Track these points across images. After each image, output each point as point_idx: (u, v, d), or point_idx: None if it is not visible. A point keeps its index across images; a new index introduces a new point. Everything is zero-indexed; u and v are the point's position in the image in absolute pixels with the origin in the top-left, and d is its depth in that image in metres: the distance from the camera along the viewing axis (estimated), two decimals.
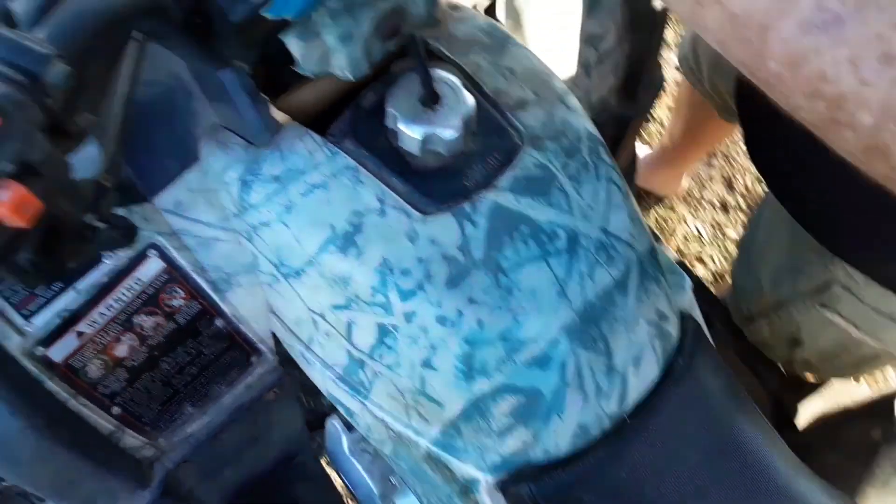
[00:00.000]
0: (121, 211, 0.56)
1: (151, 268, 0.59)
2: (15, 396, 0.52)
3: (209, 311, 0.63)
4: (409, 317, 0.52)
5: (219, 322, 0.65)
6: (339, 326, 0.57)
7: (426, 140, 0.52)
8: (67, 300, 0.56)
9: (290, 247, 0.55)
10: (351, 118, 0.56)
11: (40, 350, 0.55)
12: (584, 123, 0.59)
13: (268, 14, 0.45)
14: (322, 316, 0.58)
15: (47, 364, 0.56)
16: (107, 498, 0.63)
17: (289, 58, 0.50)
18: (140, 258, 0.58)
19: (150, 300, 0.60)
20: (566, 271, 0.53)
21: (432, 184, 0.54)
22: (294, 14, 0.46)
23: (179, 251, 0.59)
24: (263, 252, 0.58)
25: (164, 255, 0.59)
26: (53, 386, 0.57)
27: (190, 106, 0.59)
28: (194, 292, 0.62)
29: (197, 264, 0.61)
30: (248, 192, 0.55)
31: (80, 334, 0.57)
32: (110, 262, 0.57)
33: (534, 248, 0.53)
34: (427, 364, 0.54)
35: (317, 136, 0.55)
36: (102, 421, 0.62)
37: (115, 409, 0.62)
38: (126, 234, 0.54)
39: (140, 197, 0.58)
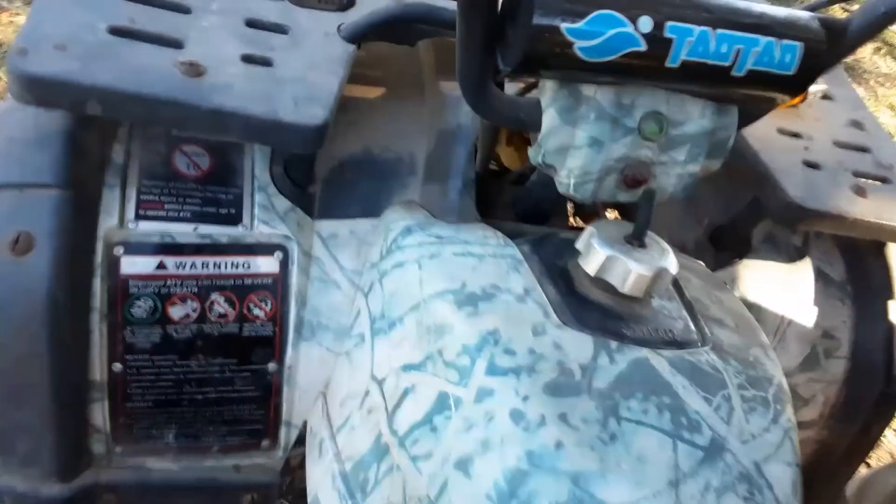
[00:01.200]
0: (282, 207, 0.57)
1: (267, 264, 0.56)
2: (61, 270, 0.49)
3: (275, 346, 0.56)
4: (482, 395, 0.41)
5: (272, 366, 0.57)
6: (392, 396, 0.46)
7: (610, 265, 0.46)
8: (180, 230, 0.54)
9: (407, 289, 0.49)
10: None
11: (119, 250, 0.52)
12: (778, 374, 0.50)
13: None
14: (381, 383, 0.48)
15: (112, 267, 0.52)
16: (28, 465, 0.52)
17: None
18: (266, 250, 0.56)
19: (240, 290, 0.55)
20: (691, 468, 0.40)
21: (588, 310, 0.47)
22: None
23: (300, 273, 0.56)
24: (371, 305, 0.53)
25: (284, 265, 0.56)
26: (96, 290, 0.52)
27: (405, 179, 0.61)
28: (280, 317, 0.56)
29: (303, 295, 0.56)
30: (406, 236, 0.53)
31: (160, 265, 0.53)
32: (238, 229, 0.55)
33: (665, 421, 0.41)
34: (463, 465, 0.40)
35: (500, 233, 0.53)
36: (97, 366, 0.53)
37: (116, 366, 0.53)
38: None
39: (310, 210, 0.58)
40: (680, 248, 0.75)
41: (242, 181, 0.56)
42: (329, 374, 0.57)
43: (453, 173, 0.59)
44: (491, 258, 0.49)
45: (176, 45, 0.50)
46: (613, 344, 0.44)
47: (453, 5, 0.45)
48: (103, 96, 0.45)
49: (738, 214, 0.72)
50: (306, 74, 0.52)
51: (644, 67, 0.44)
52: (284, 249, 0.56)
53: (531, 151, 0.49)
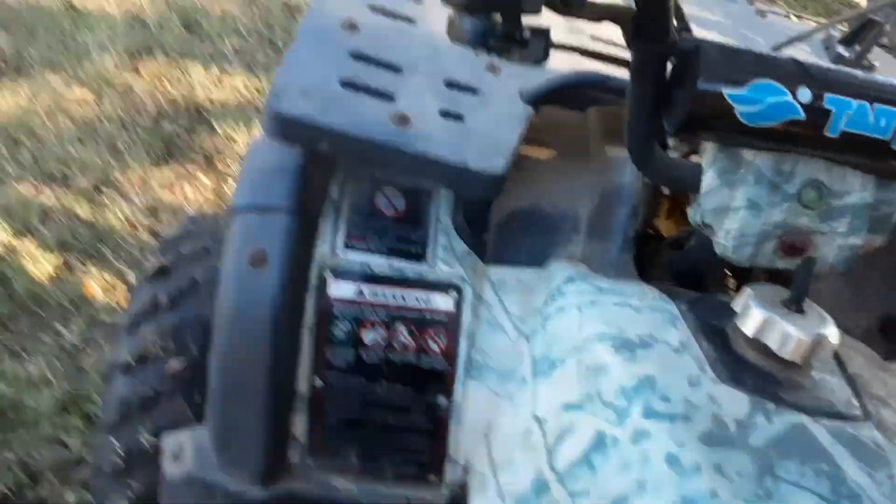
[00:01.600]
0: (460, 250, 0.63)
1: (443, 302, 0.62)
2: (288, 283, 0.58)
3: (447, 378, 0.62)
4: (638, 437, 0.44)
5: (442, 400, 0.63)
6: (553, 434, 0.50)
7: (769, 327, 0.48)
8: (377, 263, 0.62)
9: (567, 332, 0.53)
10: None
11: (329, 274, 0.61)
12: None
13: None
14: (542, 422, 0.52)
15: (321, 289, 0.61)
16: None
17: None
18: (444, 288, 0.62)
19: (420, 323, 0.62)
20: None
21: (745, 371, 0.48)
22: None
23: (471, 314, 0.62)
24: (534, 349, 0.57)
25: (458, 304, 0.62)
26: (308, 307, 0.61)
27: (569, 234, 0.66)
28: (452, 352, 0.62)
29: (473, 335, 0.62)
30: (569, 284, 0.57)
31: (359, 292, 0.62)
32: (423, 266, 0.62)
33: (824, 487, 0.42)
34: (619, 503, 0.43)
35: (656, 290, 0.56)
36: (303, 379, 0.61)
37: (318, 382, 0.62)
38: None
39: (483, 256, 0.65)
40: (846, 333, 0.74)
41: (429, 224, 0.63)
42: (492, 416, 0.61)
43: (615, 231, 0.62)
44: (648, 310, 0.52)
45: (389, 98, 0.59)
46: (770, 405, 0.45)
47: (624, 74, 0.51)
48: (333, 137, 0.55)
49: None
50: (491, 129, 0.59)
51: (803, 136, 0.46)
52: (459, 290, 0.62)
53: (690, 211, 0.53)
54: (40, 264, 1.31)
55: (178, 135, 1.65)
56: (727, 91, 0.45)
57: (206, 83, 1.78)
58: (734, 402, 0.45)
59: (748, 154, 0.49)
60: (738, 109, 0.46)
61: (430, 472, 0.65)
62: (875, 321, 0.68)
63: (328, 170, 0.63)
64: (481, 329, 0.61)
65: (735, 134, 0.47)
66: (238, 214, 0.59)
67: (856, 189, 0.49)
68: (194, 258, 0.87)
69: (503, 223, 0.67)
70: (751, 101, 0.45)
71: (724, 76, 0.45)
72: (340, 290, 0.61)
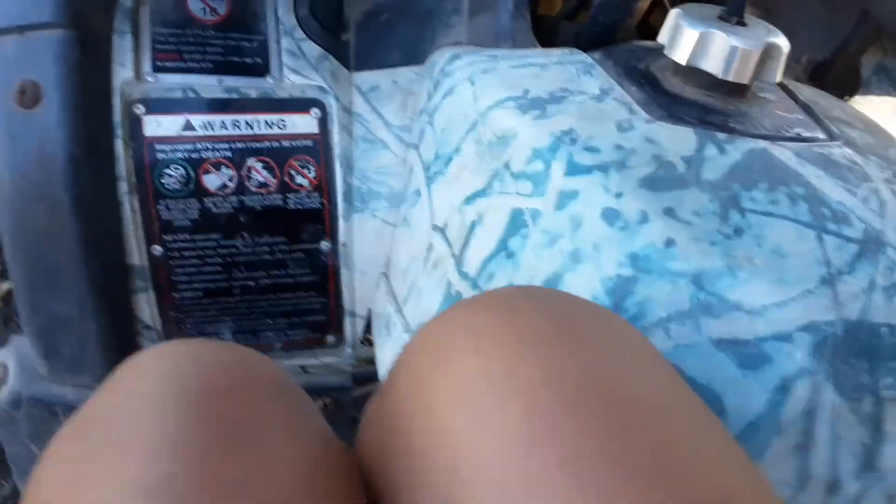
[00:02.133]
0: (313, 53, 0.50)
1: (301, 122, 0.49)
2: (75, 119, 0.43)
3: (325, 216, 0.50)
4: (563, 200, 0.34)
5: (325, 245, 0.50)
6: (458, 237, 0.39)
7: (706, 44, 0.38)
8: (203, 82, 0.47)
9: (460, 113, 0.42)
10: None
11: (140, 108, 0.46)
12: None
13: None
14: (444, 229, 0.41)
15: (134, 128, 0.47)
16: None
17: None
18: (301, 105, 0.49)
19: (278, 153, 0.49)
20: (847, 265, 0.31)
21: (683, 106, 0.38)
22: None
23: (342, 132, 0.50)
24: (424, 153, 0.46)
25: (323, 124, 0.50)
26: (120, 153, 0.46)
27: (448, 18, 0.53)
28: (324, 183, 0.50)
29: (348, 158, 0.50)
30: (453, 61, 0.45)
31: (188, 126, 0.47)
32: (267, 81, 0.48)
33: (802, 211, 0.33)
34: (552, 286, 0.32)
35: (563, 49, 0.45)
36: (135, 248, 0.48)
37: (156, 249, 0.48)
38: None
39: (346, 62, 0.51)
40: None
41: (266, 26, 0.49)
42: (387, 250, 0.50)
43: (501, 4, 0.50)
44: (556, 66, 0.41)
45: None
46: (721, 135, 0.36)
47: None
48: None
49: (842, 42, 0.61)
50: None
51: None
52: (321, 105, 0.49)
53: None
54: None
55: None
56: None
57: None
58: (677, 138, 0.35)
59: None
60: None
61: (327, 332, 0.53)
62: (804, 71, 0.60)
63: None
64: (358, 149, 0.49)
65: None
66: None
67: None
68: None
69: (365, 20, 0.53)
70: None
71: None
72: (161, 126, 0.47)
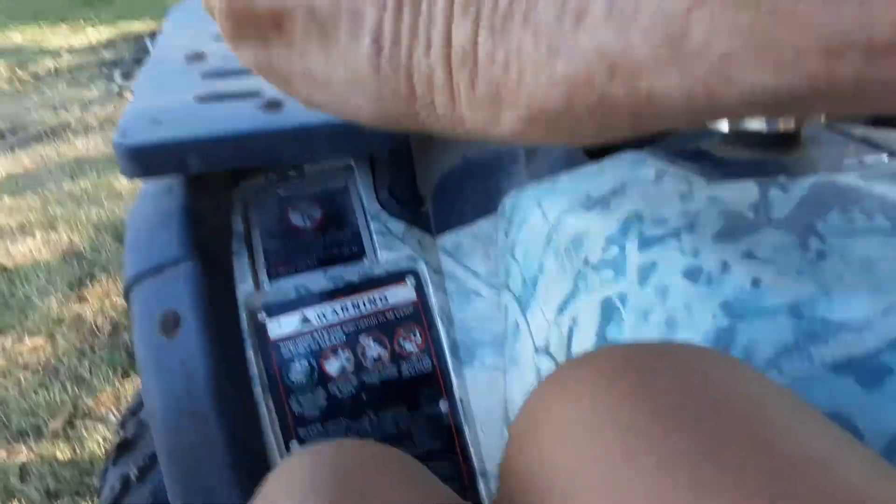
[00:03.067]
0: (399, 229, 0.56)
1: (402, 293, 0.54)
2: (211, 338, 0.49)
3: (438, 378, 0.52)
4: (644, 274, 0.35)
5: (443, 405, 0.52)
6: (560, 349, 0.41)
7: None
8: (311, 278, 0.54)
9: (535, 233, 0.45)
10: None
11: (262, 316, 0.52)
12: None
13: None
14: (546, 349, 0.43)
15: (261, 334, 0.52)
16: None
17: None
18: (397, 277, 0.54)
19: (385, 327, 0.53)
20: None
21: (740, 166, 0.40)
22: None
23: (437, 292, 0.54)
24: (513, 286, 0.49)
25: (420, 288, 0.54)
26: (251, 359, 0.51)
27: (509, 168, 0.59)
28: (432, 344, 0.53)
29: (447, 314, 0.53)
30: (519, 196, 0.50)
31: (304, 320, 0.53)
32: (364, 263, 0.54)
33: (881, 221, 0.33)
34: None
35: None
36: (274, 446, 0.51)
37: (295, 445, 0.51)
38: None
39: (428, 229, 0.57)
40: None
41: (355, 217, 0.56)
42: (503, 398, 0.52)
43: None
44: (610, 168, 0.44)
45: (254, 95, 0.53)
46: (781, 178, 0.37)
47: None
48: (199, 148, 0.48)
49: None
50: None
51: None
52: (415, 272, 0.54)
53: None
54: None
55: None
56: None
57: None
58: (739, 192, 0.37)
59: None
60: None
61: (463, 497, 0.53)
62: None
63: (220, 203, 0.56)
64: (454, 304, 0.52)
65: None
66: (133, 288, 0.51)
67: None
68: None
69: (438, 192, 0.59)
70: None
71: None
72: (282, 326, 0.52)
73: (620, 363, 0.22)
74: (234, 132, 0.48)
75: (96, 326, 1.64)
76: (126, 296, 0.52)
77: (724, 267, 0.32)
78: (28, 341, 1.63)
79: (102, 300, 1.73)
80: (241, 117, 0.50)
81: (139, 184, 0.56)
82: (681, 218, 0.36)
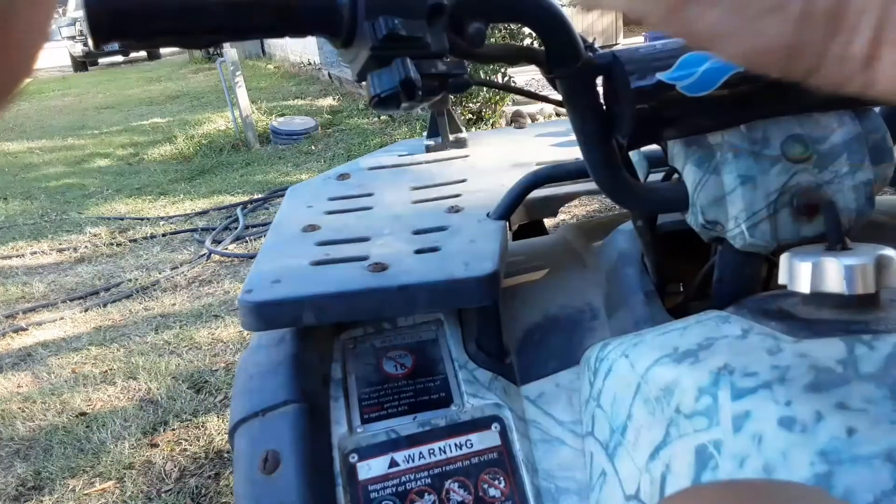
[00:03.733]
0: (485, 378, 0.59)
1: (487, 439, 0.56)
2: (307, 479, 0.52)
3: None
4: (738, 423, 0.36)
5: None
6: (653, 495, 0.41)
7: (824, 271, 0.43)
8: (401, 423, 0.56)
9: (623, 384, 0.47)
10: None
11: (354, 457, 0.55)
12: None
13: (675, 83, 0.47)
14: (637, 495, 0.43)
15: (351, 475, 0.54)
16: None
17: None
18: (482, 424, 0.56)
19: (470, 471, 0.54)
20: None
21: (823, 326, 0.42)
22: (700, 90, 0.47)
23: (521, 438, 0.55)
24: (600, 435, 0.50)
25: (504, 435, 0.56)
26: (341, 499, 0.53)
27: (590, 324, 0.62)
28: (516, 490, 0.53)
29: (531, 462, 0.54)
30: (604, 349, 0.52)
31: (393, 462, 0.55)
32: (452, 410, 0.57)
33: None
34: None
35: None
36: None
37: None
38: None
39: (513, 379, 0.60)
40: None
41: (444, 366, 0.59)
42: None
43: (630, 291, 0.59)
44: (696, 325, 0.47)
45: (362, 258, 0.59)
46: (866, 336, 0.39)
47: (570, 156, 0.51)
48: (314, 304, 0.53)
49: None
50: (469, 247, 0.58)
51: (752, 93, 0.46)
52: (500, 419, 0.56)
53: (689, 218, 0.50)
54: None
55: (204, 486, 1.58)
56: (661, 76, 0.46)
57: (224, 430, 1.77)
58: (826, 348, 0.39)
59: (715, 136, 0.48)
60: (680, 85, 0.46)
61: None
62: None
63: (324, 352, 0.61)
64: (537, 451, 0.54)
65: (691, 118, 0.47)
66: (239, 429, 0.55)
67: (835, 127, 0.48)
68: None
69: (522, 345, 0.63)
70: (686, 75, 0.46)
71: (651, 67, 0.46)
72: (371, 469, 0.54)
73: (728, 500, 0.24)
74: (345, 290, 0.54)
75: (164, 472, 1.66)
76: (231, 436, 0.56)
77: (818, 416, 0.34)
78: (98, 484, 1.66)
79: (173, 446, 1.76)
80: (350, 278, 0.56)
81: (219, 336, 0.62)
82: (771, 371, 0.38)
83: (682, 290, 0.70)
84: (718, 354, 0.41)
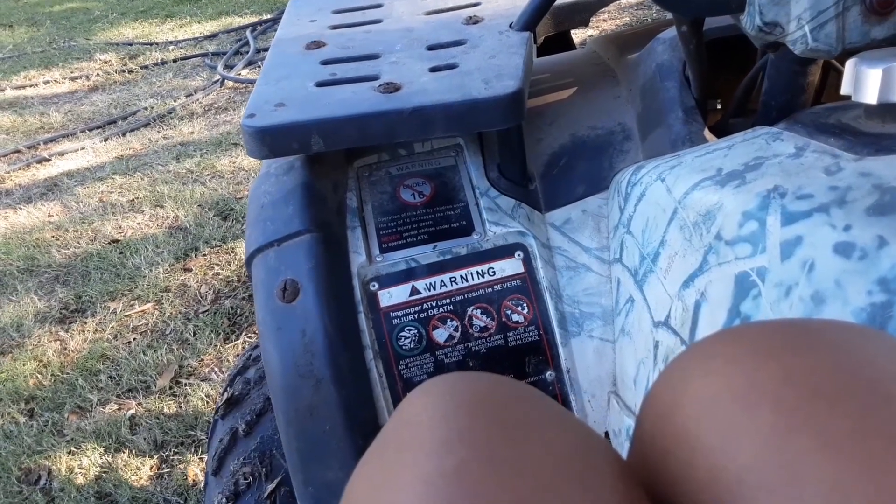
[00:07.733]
0: (508, 205, 0.55)
1: (511, 266, 0.54)
2: (327, 305, 0.50)
3: (545, 348, 0.52)
4: (788, 250, 0.33)
5: (549, 374, 0.52)
6: (685, 323, 0.39)
7: (891, 78, 0.37)
8: (421, 252, 0.54)
9: (657, 209, 0.43)
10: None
11: (374, 286, 0.53)
12: None
13: None
14: (667, 322, 0.41)
15: (372, 303, 0.53)
16: None
17: None
18: (505, 251, 0.54)
19: (493, 298, 0.53)
20: None
21: (887, 140, 0.38)
22: None
23: (545, 266, 0.53)
24: (628, 262, 0.47)
25: (528, 262, 0.54)
26: (363, 326, 0.52)
27: (622, 146, 0.58)
28: (539, 315, 0.52)
29: (555, 288, 0.53)
30: (638, 172, 0.48)
31: (413, 290, 0.53)
32: (473, 238, 0.54)
33: None
34: None
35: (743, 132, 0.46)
36: (384, 411, 0.52)
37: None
38: None
39: (537, 206, 0.56)
40: None
41: (465, 194, 0.56)
42: (610, 369, 0.51)
43: (668, 107, 0.54)
44: (742, 143, 0.42)
45: (372, 78, 0.54)
46: None
47: None
48: (322, 128, 0.49)
49: None
50: (489, 63, 0.52)
51: None
52: (523, 247, 0.54)
53: (745, 21, 0.44)
54: (139, 470, 1.26)
55: (240, 307, 1.65)
56: None
57: None
58: (893, 167, 0.34)
59: None
60: None
61: None
62: None
63: (338, 182, 0.57)
64: (562, 278, 0.52)
65: None
66: (255, 258, 0.53)
67: None
68: (263, 378, 0.81)
69: (547, 169, 0.59)
70: None
71: None
72: (392, 296, 0.53)
73: (773, 340, 0.21)
74: (355, 114, 0.49)
75: (200, 294, 1.72)
76: (248, 265, 0.54)
77: (881, 242, 0.30)
78: (137, 306, 1.73)
79: (205, 271, 1.82)
80: (360, 100, 0.51)
81: (240, 164, 0.58)
82: (828, 193, 0.34)
83: (718, 107, 0.64)
84: (768, 175, 0.37)
